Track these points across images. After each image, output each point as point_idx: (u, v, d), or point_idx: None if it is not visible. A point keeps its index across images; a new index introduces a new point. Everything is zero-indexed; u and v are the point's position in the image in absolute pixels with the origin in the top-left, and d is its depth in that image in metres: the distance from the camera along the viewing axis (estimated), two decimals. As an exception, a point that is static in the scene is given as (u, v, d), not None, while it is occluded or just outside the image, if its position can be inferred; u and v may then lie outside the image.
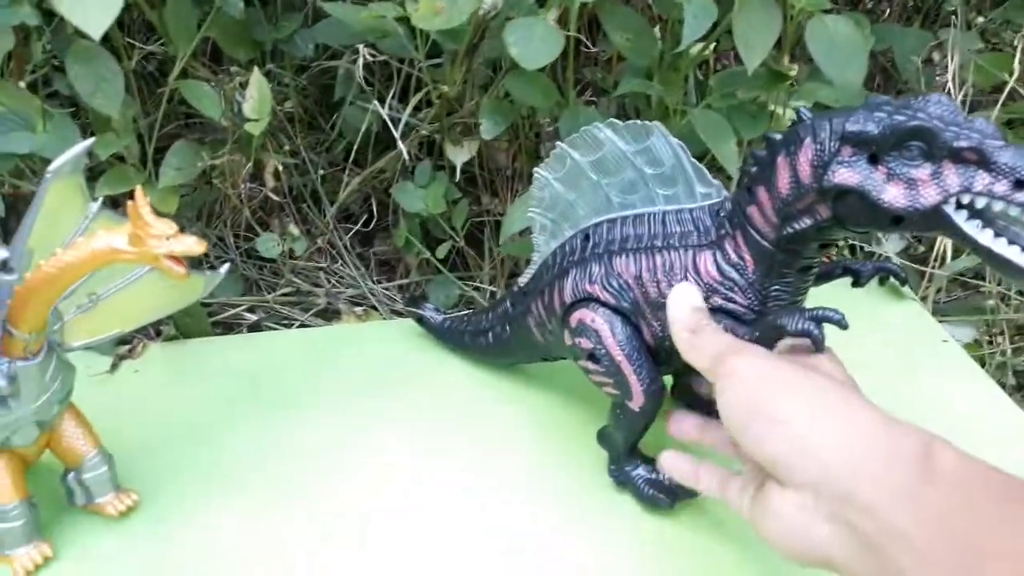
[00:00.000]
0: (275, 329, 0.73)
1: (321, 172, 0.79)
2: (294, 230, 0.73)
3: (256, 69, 0.69)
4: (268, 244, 0.72)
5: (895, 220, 0.38)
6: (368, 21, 0.68)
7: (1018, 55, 0.77)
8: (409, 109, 0.71)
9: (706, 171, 0.48)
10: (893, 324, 0.71)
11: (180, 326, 0.69)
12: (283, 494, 0.56)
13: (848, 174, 0.39)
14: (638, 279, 0.49)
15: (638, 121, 0.48)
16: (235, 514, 0.54)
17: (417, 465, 0.59)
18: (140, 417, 0.62)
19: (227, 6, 0.70)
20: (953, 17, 0.81)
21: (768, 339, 0.44)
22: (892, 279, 0.55)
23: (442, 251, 0.77)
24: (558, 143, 0.52)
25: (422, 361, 0.68)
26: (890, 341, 0.71)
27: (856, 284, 0.53)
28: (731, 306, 0.46)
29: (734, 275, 0.46)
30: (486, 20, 0.66)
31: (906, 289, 0.75)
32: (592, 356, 0.51)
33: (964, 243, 0.38)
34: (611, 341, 0.50)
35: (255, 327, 0.73)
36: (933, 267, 0.76)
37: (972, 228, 0.37)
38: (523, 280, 0.59)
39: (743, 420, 0.40)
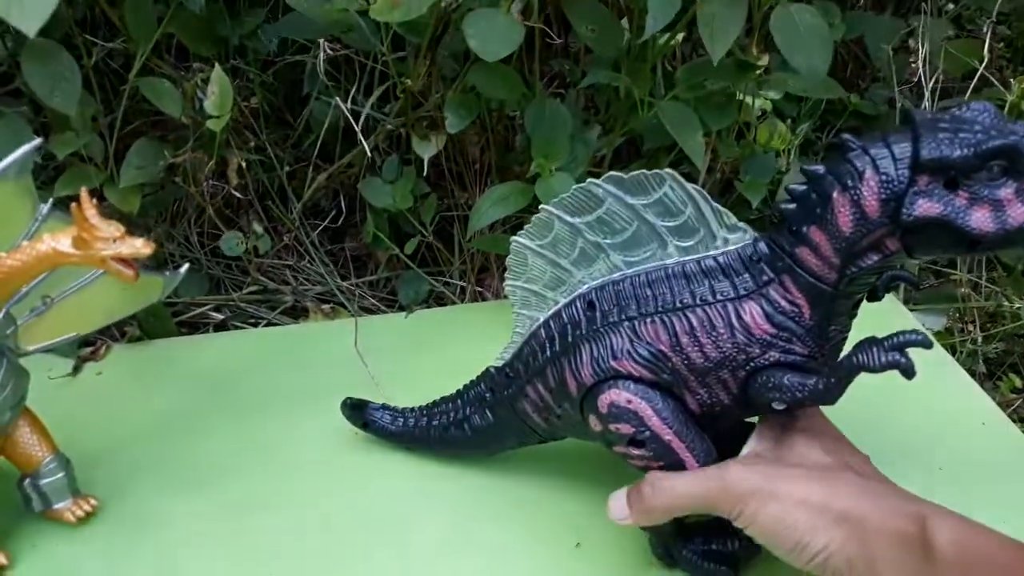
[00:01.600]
0: (241, 328, 0.72)
1: (288, 168, 0.78)
2: (258, 228, 0.72)
3: (217, 65, 0.68)
4: (231, 243, 0.71)
5: (972, 244, 0.37)
6: (331, 15, 0.67)
7: (987, 41, 0.76)
8: (370, 103, 0.70)
9: (729, 214, 0.44)
10: (866, 313, 0.71)
11: (144, 327, 0.69)
12: (248, 497, 0.55)
13: (929, 205, 0.36)
14: (675, 346, 0.43)
15: (647, 172, 0.43)
16: (198, 518, 0.54)
17: (393, 470, 0.57)
18: (102, 420, 0.61)
19: (188, 2, 0.69)
20: (924, 4, 0.80)
21: (847, 383, 0.41)
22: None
23: (410, 247, 0.76)
24: (542, 206, 0.46)
25: (393, 358, 0.67)
26: (863, 330, 0.70)
27: (872, 298, 0.47)
28: (791, 358, 0.42)
29: (790, 324, 0.42)
30: (448, 12, 0.65)
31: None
32: (634, 441, 0.44)
33: None
34: (656, 421, 0.44)
35: (221, 326, 0.73)
36: (905, 256, 0.76)
37: None
38: (501, 360, 0.51)
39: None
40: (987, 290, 0.75)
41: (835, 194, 0.39)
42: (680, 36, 0.71)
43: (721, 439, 0.46)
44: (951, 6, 0.87)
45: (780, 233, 0.42)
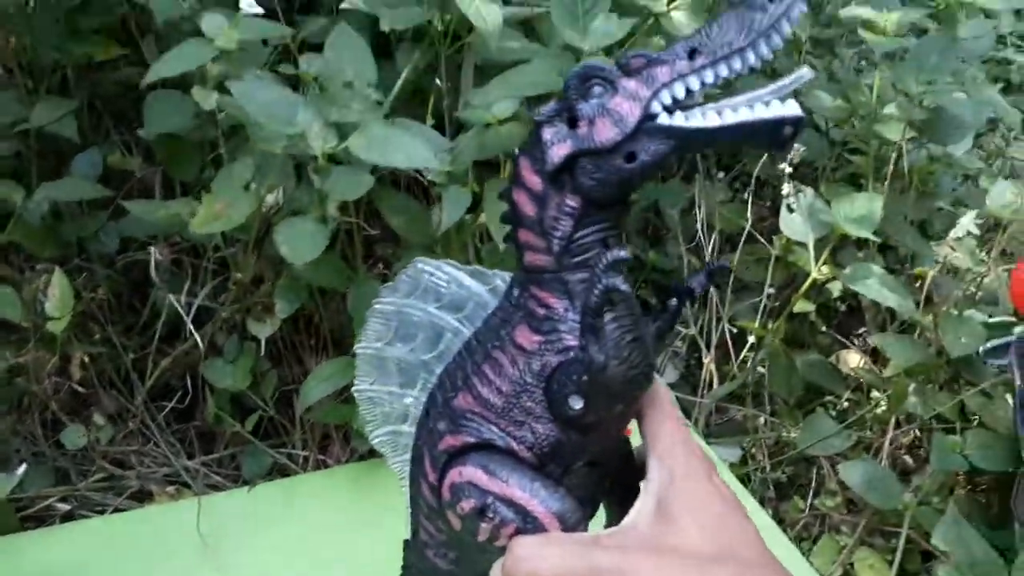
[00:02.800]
0: (87, 517, 0.75)
1: (133, 355, 0.83)
2: (99, 420, 0.76)
3: (57, 269, 0.74)
4: (72, 437, 0.75)
5: (628, 158, 0.39)
6: (165, 218, 0.74)
7: (749, 204, 0.89)
8: (202, 295, 0.76)
9: (483, 269, 0.46)
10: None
11: (-15, 525, 0.70)
12: None
13: (560, 146, 0.40)
14: (481, 400, 0.43)
15: (402, 271, 0.46)
16: None
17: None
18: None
19: (27, 214, 0.75)
20: (697, 174, 0.94)
21: (597, 330, 0.40)
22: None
23: (251, 422, 0.81)
24: (355, 349, 0.48)
25: (238, 536, 0.70)
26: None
27: (691, 298, 0.46)
28: (568, 354, 0.41)
29: (551, 325, 0.42)
30: (269, 215, 0.73)
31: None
32: (482, 512, 0.41)
33: (707, 140, 0.38)
34: (489, 480, 0.41)
35: (68, 516, 0.75)
36: (702, 394, 0.85)
37: (698, 119, 0.37)
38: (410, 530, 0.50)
39: None
40: (772, 422, 0.86)
41: (514, 195, 0.42)
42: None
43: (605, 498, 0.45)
44: (722, 174, 1.01)
45: (517, 263, 0.44)
